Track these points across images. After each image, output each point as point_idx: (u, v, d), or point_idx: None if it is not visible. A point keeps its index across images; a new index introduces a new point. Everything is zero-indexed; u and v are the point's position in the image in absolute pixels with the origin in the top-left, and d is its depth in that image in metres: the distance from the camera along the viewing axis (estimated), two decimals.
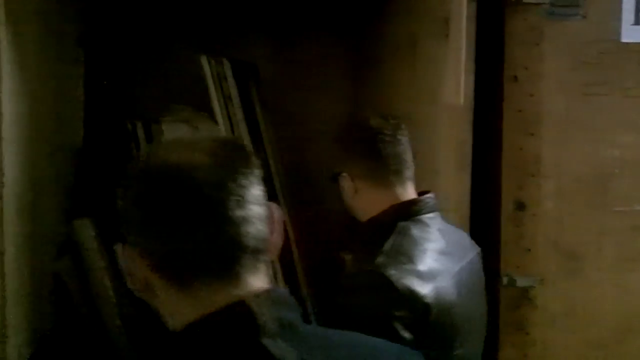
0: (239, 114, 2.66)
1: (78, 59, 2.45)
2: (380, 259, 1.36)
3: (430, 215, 1.49)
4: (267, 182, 2.53)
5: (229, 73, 2.79)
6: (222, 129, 2.47)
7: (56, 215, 2.27)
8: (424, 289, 1.31)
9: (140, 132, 2.63)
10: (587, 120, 2.08)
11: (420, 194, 1.54)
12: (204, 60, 2.71)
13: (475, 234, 2.00)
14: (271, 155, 2.89)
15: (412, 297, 1.30)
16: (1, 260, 1.78)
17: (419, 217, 1.46)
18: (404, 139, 1.50)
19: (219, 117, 2.54)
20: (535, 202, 2.04)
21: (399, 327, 1.26)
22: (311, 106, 3.63)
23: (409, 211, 1.46)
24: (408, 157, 1.49)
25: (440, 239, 1.45)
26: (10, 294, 1.84)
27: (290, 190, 3.02)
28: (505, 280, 2.05)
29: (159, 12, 3.16)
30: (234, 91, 2.77)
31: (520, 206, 2.03)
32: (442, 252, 1.43)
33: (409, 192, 1.51)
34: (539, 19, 2.03)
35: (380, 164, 1.47)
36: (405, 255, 1.38)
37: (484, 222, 2.04)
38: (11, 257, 1.85)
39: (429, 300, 1.30)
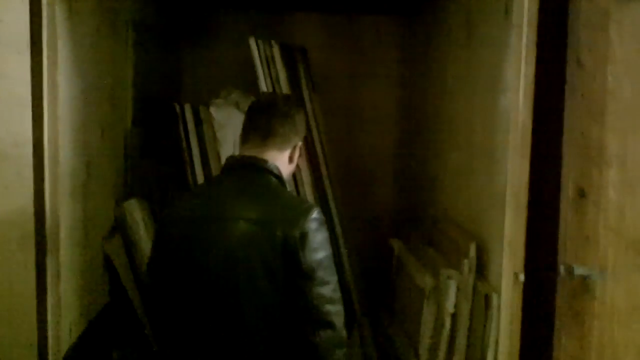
0: None
1: (128, 40, 2.44)
2: None
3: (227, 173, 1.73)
4: (315, 167, 2.52)
5: (277, 56, 2.76)
6: None
7: (107, 195, 2.27)
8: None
9: (189, 114, 2.62)
10: None
11: None
12: (252, 42, 2.67)
13: (534, 221, 1.94)
14: (317, 139, 2.86)
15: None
16: (56, 237, 1.78)
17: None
18: (272, 112, 1.73)
19: None
20: (596, 190, 1.97)
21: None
22: (363, 92, 3.57)
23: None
24: (268, 126, 1.71)
25: (204, 193, 1.78)
26: (64, 271, 1.84)
27: (340, 174, 3.00)
28: (562, 268, 1.98)
29: None
30: (282, 74, 2.74)
31: (581, 193, 1.96)
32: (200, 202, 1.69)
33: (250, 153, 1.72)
34: (606, 1, 1.95)
35: (244, 128, 1.75)
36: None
37: (543, 209, 1.98)
38: (65, 236, 1.85)
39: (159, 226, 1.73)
